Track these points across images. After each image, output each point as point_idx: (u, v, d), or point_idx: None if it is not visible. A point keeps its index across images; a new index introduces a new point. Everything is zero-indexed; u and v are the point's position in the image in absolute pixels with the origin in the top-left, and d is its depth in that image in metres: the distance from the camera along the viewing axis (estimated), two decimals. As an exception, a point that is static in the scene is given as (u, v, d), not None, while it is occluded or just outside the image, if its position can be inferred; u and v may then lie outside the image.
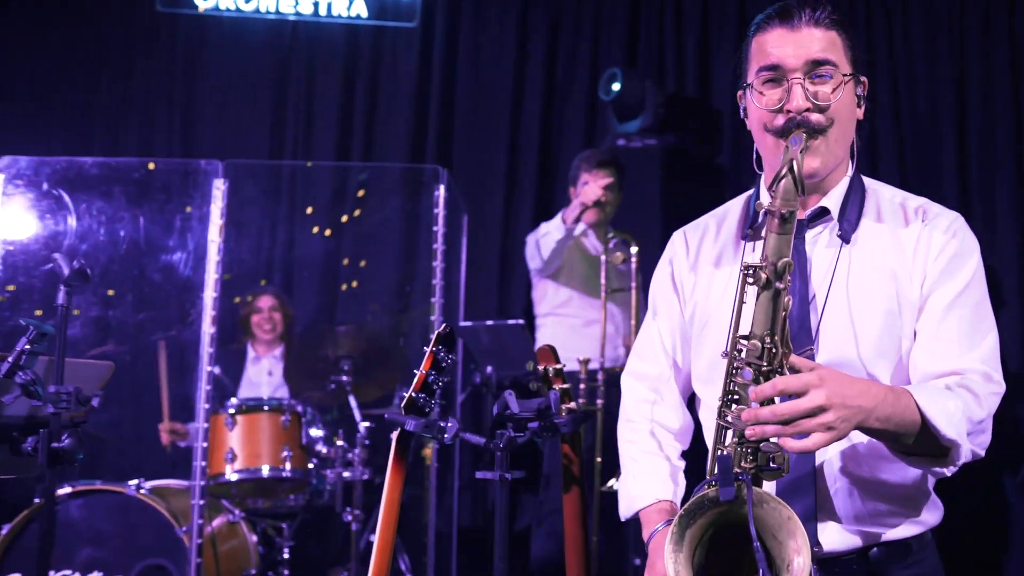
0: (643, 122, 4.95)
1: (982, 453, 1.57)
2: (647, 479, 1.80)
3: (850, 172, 1.71)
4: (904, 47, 4.88)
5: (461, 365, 4.17)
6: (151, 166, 3.97)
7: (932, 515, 1.67)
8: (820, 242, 1.66)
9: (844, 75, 1.61)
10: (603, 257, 3.67)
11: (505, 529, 2.18)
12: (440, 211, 3.76)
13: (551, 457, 3.51)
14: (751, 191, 1.81)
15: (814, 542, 1.57)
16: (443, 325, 2.26)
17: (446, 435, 2.22)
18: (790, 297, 1.45)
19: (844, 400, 1.39)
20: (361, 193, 5.01)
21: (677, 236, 1.87)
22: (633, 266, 3.68)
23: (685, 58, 5.12)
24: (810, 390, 1.37)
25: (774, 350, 1.43)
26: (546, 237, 3.87)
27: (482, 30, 5.22)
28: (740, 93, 1.72)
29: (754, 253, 1.69)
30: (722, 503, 1.41)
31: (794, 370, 1.42)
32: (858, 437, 1.57)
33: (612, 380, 3.60)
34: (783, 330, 1.44)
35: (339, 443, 3.97)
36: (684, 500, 1.79)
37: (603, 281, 3.66)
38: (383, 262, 4.90)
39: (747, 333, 1.46)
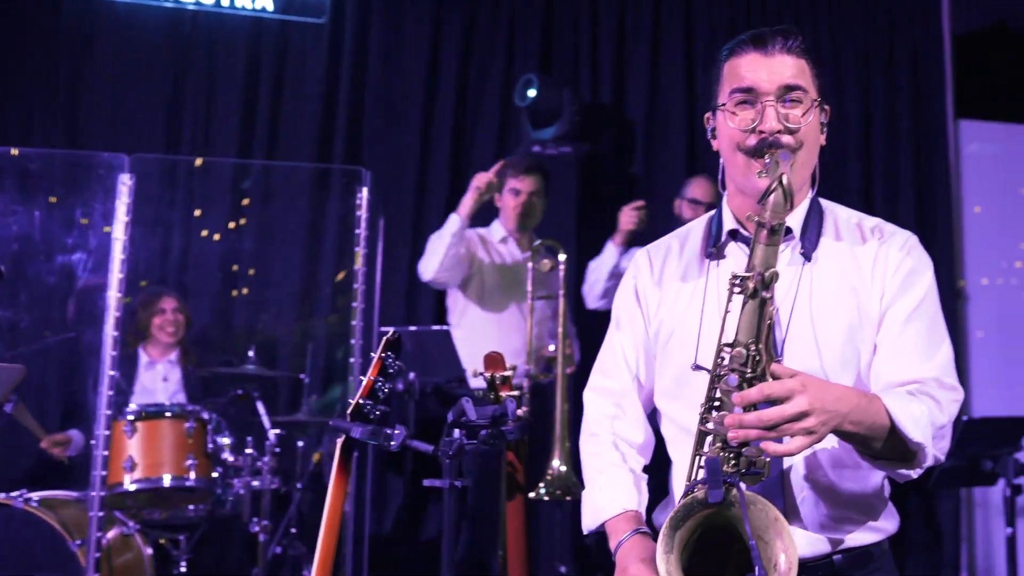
0: (559, 129, 5.00)
1: (943, 457, 1.64)
2: (613, 490, 1.80)
3: (811, 194, 1.77)
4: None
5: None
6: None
7: (890, 523, 1.73)
8: (783, 260, 1.69)
9: (813, 100, 1.67)
10: (530, 265, 3.68)
11: (453, 537, 2.16)
12: (363, 214, 3.69)
13: (472, 466, 3.49)
14: (712, 212, 1.84)
15: None
16: (391, 331, 2.22)
17: (393, 442, 2.18)
18: (775, 307, 1.48)
19: (824, 405, 1.44)
20: (267, 192, 4.87)
21: (640, 255, 1.90)
22: (561, 274, 3.70)
23: (600, 66, 5.19)
24: (794, 396, 1.41)
25: (758, 357, 1.47)
26: (437, 239, 3.87)
27: (394, 28, 5.14)
28: (708, 115, 1.76)
29: (719, 270, 1.73)
30: (711, 505, 1.43)
31: (775, 377, 1.46)
32: (822, 445, 1.61)
33: (535, 390, 3.62)
34: (767, 338, 1.47)
35: (248, 451, 3.84)
36: (649, 510, 1.83)
37: (529, 288, 3.66)
38: (291, 264, 4.77)
39: (732, 341, 1.48)
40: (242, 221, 4.89)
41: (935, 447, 1.60)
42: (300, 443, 4.18)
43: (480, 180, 3.85)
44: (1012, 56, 5.43)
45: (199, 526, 4.06)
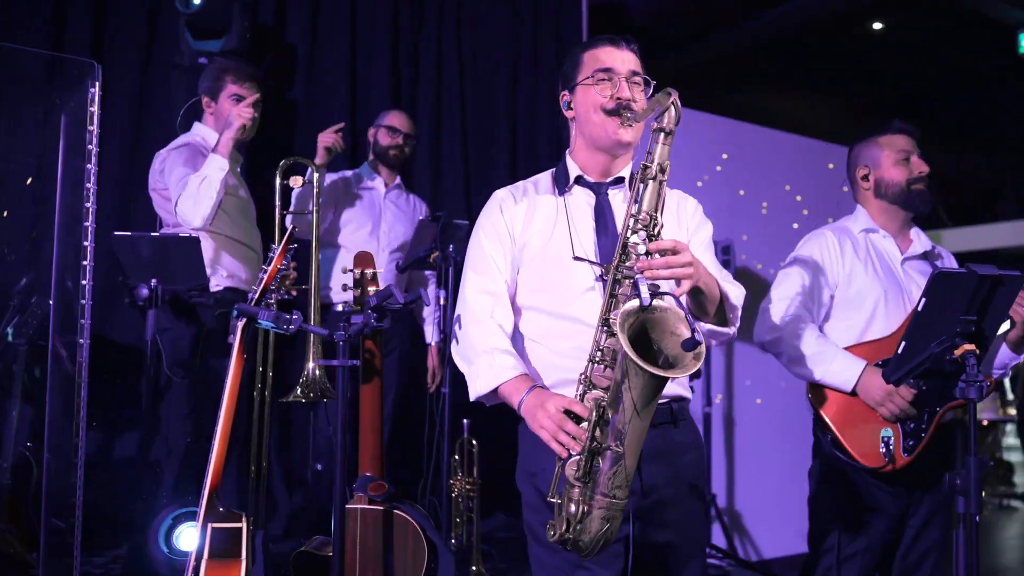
0: (226, 44, 5.16)
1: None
2: (505, 359, 2.29)
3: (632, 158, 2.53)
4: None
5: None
6: None
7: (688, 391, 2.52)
8: (616, 199, 2.45)
9: (646, 82, 2.43)
10: (278, 180, 3.97)
11: (347, 419, 2.62)
12: (95, 110, 3.70)
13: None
14: (553, 169, 2.52)
15: None
16: (291, 225, 2.58)
17: (291, 326, 2.57)
18: (667, 190, 2.21)
19: (696, 263, 2.16)
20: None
21: (503, 193, 2.50)
22: (314, 191, 4.06)
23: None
24: (684, 247, 2.11)
25: (657, 222, 2.17)
26: (206, 183, 3.84)
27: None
28: (565, 92, 2.45)
29: (571, 202, 2.41)
30: (644, 308, 2.05)
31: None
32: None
33: (282, 305, 3.97)
34: (661, 210, 2.18)
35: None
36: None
37: (277, 202, 3.97)
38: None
39: (636, 211, 2.17)
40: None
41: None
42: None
43: (245, 117, 3.95)
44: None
45: None
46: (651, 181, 2.17)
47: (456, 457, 4.18)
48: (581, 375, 2.15)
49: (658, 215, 2.16)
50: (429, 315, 4.78)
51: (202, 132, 4.27)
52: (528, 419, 2.20)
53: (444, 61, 5.97)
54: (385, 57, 5.77)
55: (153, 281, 3.71)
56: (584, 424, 2.07)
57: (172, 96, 5.13)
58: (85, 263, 3.64)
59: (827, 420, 2.97)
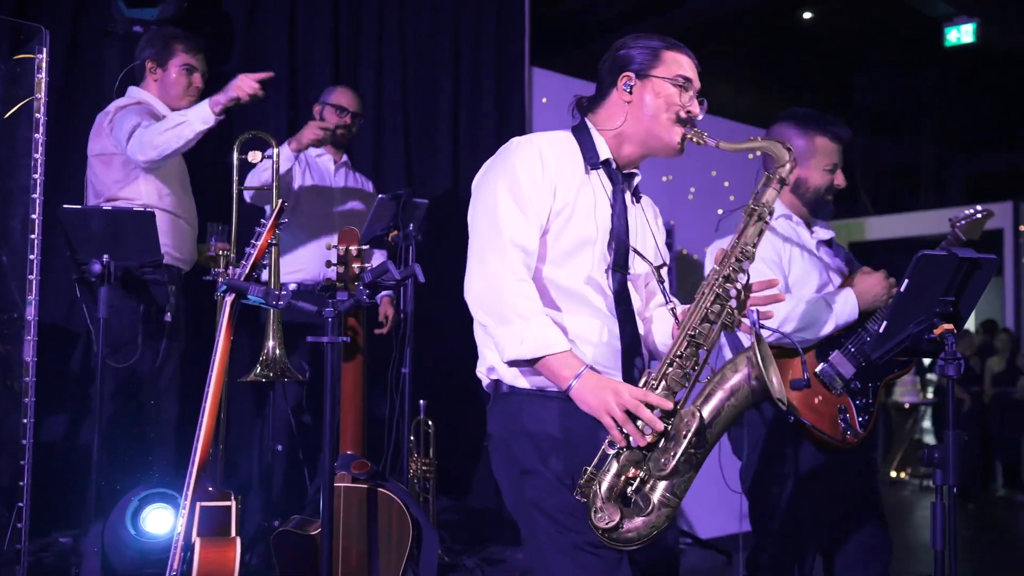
0: (162, 12, 5.07)
1: None
2: (555, 330, 2.22)
3: None
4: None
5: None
6: None
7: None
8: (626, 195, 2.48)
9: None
10: (235, 155, 3.94)
11: (336, 391, 2.63)
12: (44, 77, 3.60)
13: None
14: (575, 132, 2.47)
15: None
16: (280, 200, 2.58)
17: (280, 301, 2.57)
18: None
19: None
20: None
21: (541, 140, 2.39)
22: (273, 166, 4.02)
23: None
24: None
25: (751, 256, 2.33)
26: (185, 126, 3.81)
27: None
28: (630, 75, 2.42)
29: (598, 179, 2.40)
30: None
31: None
32: None
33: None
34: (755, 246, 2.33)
35: None
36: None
37: (235, 177, 3.93)
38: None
39: (742, 252, 2.31)
40: None
41: None
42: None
43: (251, 89, 3.85)
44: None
45: None
46: (759, 221, 2.32)
47: (412, 439, 4.21)
48: (649, 372, 2.24)
49: (753, 250, 2.31)
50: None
51: (141, 96, 4.21)
52: (588, 399, 2.19)
53: (385, 35, 5.95)
54: (327, 31, 5.72)
55: (105, 257, 3.64)
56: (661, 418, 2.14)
57: (104, 63, 5.03)
58: (33, 236, 3.56)
59: (792, 405, 3.09)
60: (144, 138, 3.85)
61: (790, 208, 3.31)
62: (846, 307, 3.12)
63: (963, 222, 3.28)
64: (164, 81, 4.22)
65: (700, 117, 2.44)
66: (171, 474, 3.80)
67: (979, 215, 3.28)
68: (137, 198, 3.98)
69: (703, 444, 2.13)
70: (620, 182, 2.43)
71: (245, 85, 3.84)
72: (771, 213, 2.32)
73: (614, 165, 2.43)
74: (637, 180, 2.50)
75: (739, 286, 2.28)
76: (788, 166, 2.32)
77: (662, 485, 2.12)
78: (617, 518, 2.09)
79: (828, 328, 3.11)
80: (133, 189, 4.00)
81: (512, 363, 2.26)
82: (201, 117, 3.83)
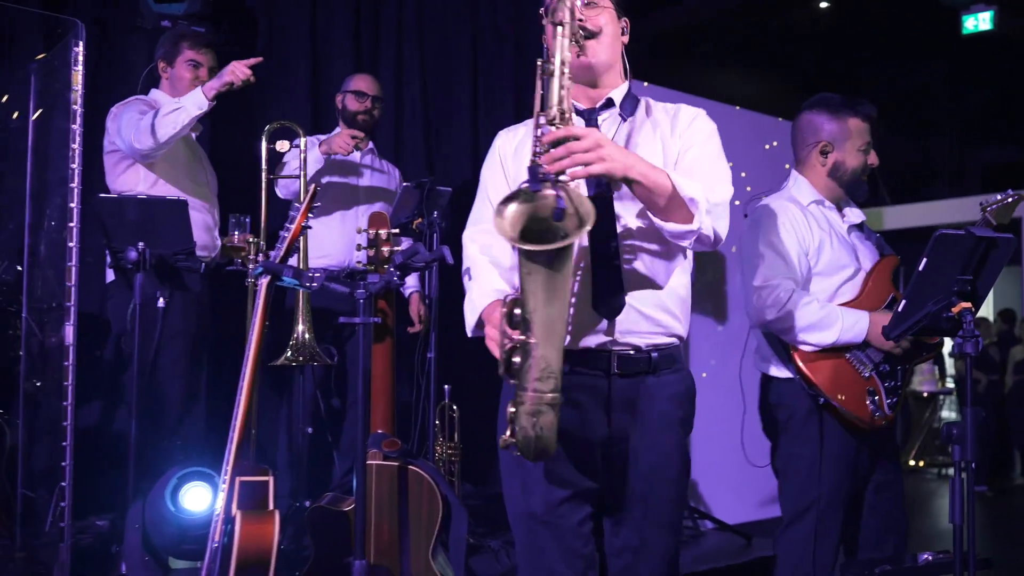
0: (189, 7, 5.17)
1: (723, 236, 2.31)
2: (484, 289, 2.28)
3: (626, 83, 2.53)
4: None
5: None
6: None
7: (685, 329, 2.48)
8: (606, 122, 2.46)
9: (608, 9, 2.45)
10: (264, 144, 4.03)
11: (368, 372, 2.71)
12: (80, 70, 3.70)
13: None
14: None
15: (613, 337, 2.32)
16: (312, 185, 2.66)
17: (314, 283, 2.66)
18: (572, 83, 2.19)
19: (611, 145, 2.09)
20: None
21: (503, 133, 2.51)
22: (301, 155, 4.11)
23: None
24: (588, 133, 2.06)
25: (565, 115, 2.12)
26: (179, 112, 3.92)
27: None
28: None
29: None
30: (531, 192, 2.04)
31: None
32: (640, 241, 2.32)
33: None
34: (568, 104, 2.14)
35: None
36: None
37: (264, 167, 4.03)
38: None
39: (543, 107, 2.14)
40: None
41: (713, 222, 2.26)
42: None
43: (241, 74, 3.94)
44: None
45: None
46: (548, 78, 2.13)
47: (437, 423, 4.29)
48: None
49: (565, 108, 2.11)
50: (411, 278, 4.84)
51: (157, 97, 4.35)
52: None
53: (404, 27, 6.03)
54: (347, 22, 5.81)
55: (140, 244, 3.73)
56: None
57: (132, 59, 5.13)
58: (72, 224, 3.65)
59: (820, 388, 3.14)
60: (142, 125, 3.98)
61: (824, 192, 3.35)
62: (856, 327, 3.13)
63: (994, 206, 3.28)
64: (173, 79, 4.37)
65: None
66: (169, 462, 3.86)
67: (1010, 199, 3.30)
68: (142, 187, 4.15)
69: (527, 326, 2.01)
70: (593, 116, 2.44)
71: (238, 71, 3.95)
72: (564, 63, 2.15)
73: (581, 106, 2.45)
74: (612, 106, 2.46)
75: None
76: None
77: (521, 384, 2.03)
78: (506, 433, 2.06)
79: (827, 341, 3.14)
80: (135, 184, 4.18)
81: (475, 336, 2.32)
82: (196, 103, 3.96)
